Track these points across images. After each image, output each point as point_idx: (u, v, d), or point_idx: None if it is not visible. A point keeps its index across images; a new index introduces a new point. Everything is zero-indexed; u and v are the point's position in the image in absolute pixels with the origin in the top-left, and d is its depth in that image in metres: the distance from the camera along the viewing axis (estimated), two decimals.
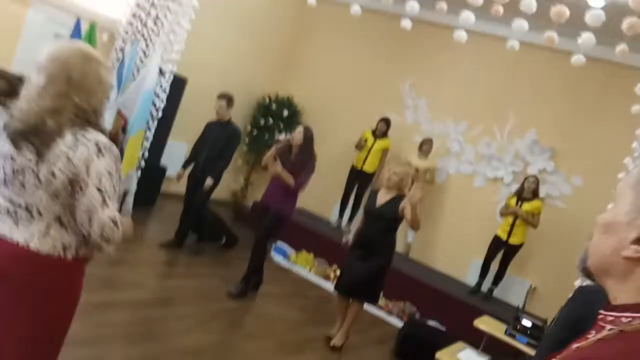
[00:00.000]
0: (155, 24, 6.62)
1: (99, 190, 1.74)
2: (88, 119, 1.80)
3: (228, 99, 5.83)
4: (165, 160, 7.38)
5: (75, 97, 1.77)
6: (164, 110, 6.56)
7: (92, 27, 6.09)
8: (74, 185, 1.74)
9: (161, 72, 6.44)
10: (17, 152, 1.75)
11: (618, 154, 5.57)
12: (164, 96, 6.52)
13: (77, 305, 1.94)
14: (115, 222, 1.74)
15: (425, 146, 7.55)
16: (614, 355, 0.77)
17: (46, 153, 1.72)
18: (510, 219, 6.63)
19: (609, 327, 0.84)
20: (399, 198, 4.51)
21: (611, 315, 0.86)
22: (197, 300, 4.76)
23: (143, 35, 6.63)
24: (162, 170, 7.30)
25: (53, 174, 1.73)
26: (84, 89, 1.78)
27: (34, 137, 1.72)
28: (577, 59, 5.03)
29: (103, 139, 1.78)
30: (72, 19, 6.12)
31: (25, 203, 1.77)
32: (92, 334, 3.54)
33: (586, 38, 4.72)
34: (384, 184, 4.60)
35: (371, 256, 4.54)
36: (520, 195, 6.63)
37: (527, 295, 6.71)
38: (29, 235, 1.76)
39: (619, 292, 0.87)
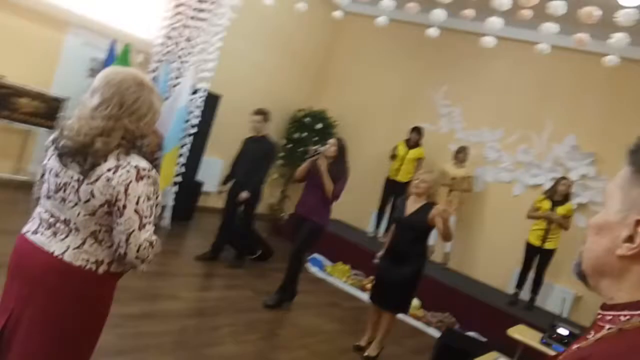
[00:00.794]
0: (187, 43, 6.79)
1: (137, 213, 1.81)
2: (135, 143, 1.86)
3: (264, 115, 5.91)
4: (201, 175, 7.51)
5: (126, 120, 1.82)
6: (198, 126, 6.71)
7: (127, 49, 6.29)
8: (112, 206, 1.81)
9: (194, 90, 6.59)
10: (63, 169, 1.83)
11: None
12: (198, 113, 6.67)
13: (106, 317, 2.00)
14: (151, 244, 1.85)
15: (460, 154, 7.47)
16: (615, 354, 0.76)
17: (89, 173, 1.79)
18: (542, 224, 6.37)
19: (607, 326, 0.84)
20: (428, 206, 4.47)
21: (609, 315, 0.86)
22: (232, 311, 4.80)
23: (177, 55, 6.80)
24: (198, 185, 7.44)
25: (92, 194, 1.80)
26: (135, 113, 1.84)
27: (81, 156, 1.79)
28: (611, 59, 4.91)
29: (144, 164, 1.84)
30: (108, 42, 6.35)
31: (65, 217, 1.86)
32: (126, 344, 3.61)
33: (618, 38, 4.60)
34: (413, 191, 4.56)
35: (402, 265, 4.50)
36: (552, 198, 6.38)
37: (564, 303, 6.49)
38: (65, 247, 1.84)
39: (615, 292, 0.87)
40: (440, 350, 5.00)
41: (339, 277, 6.84)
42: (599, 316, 0.89)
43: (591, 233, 0.92)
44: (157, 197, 1.91)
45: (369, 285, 6.58)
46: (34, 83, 5.89)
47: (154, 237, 1.87)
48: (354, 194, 7.97)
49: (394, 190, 7.80)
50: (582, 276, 0.94)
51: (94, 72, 6.49)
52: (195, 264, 5.78)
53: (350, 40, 9.29)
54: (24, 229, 1.97)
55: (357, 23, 8.85)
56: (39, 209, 1.96)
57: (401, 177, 7.76)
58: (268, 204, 9.05)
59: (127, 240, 1.81)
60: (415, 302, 6.27)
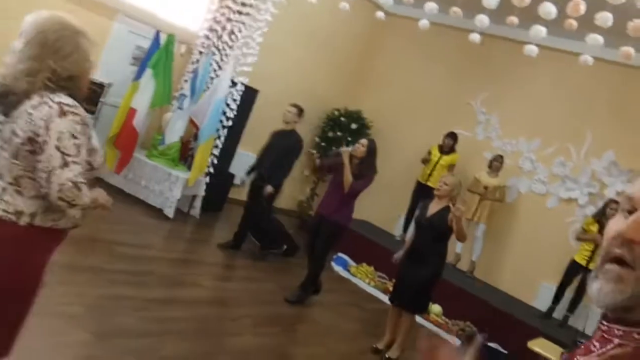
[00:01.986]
0: (230, 37, 6.89)
1: (59, 150, 1.72)
2: (62, 84, 1.80)
3: (299, 109, 5.96)
4: (233, 168, 7.61)
5: (50, 60, 1.77)
6: (234, 119, 6.79)
7: (170, 39, 6.42)
8: (33, 144, 1.73)
9: (233, 83, 6.68)
10: None
11: None
12: (234, 106, 6.76)
13: (37, 274, 1.88)
14: (76, 185, 1.73)
15: (495, 163, 7.37)
16: None
17: (12, 112, 1.75)
18: (590, 245, 6.29)
19: (617, 341, 0.79)
20: (449, 208, 4.47)
21: (619, 329, 0.80)
22: (253, 303, 4.86)
23: (217, 48, 6.90)
24: (231, 177, 7.53)
25: (14, 132, 1.74)
26: (58, 52, 1.79)
27: (5, 97, 1.76)
28: None
29: (68, 101, 1.77)
30: (152, 31, 6.48)
31: None
32: (148, 328, 3.70)
33: None
34: (435, 193, 4.58)
35: (421, 265, 4.50)
36: (601, 221, 6.27)
37: (587, 319, 6.35)
38: None
39: None
40: None
41: (362, 278, 6.84)
42: (604, 328, 0.83)
43: None
44: (89, 139, 1.82)
45: (391, 288, 6.58)
46: None
47: (79, 179, 1.74)
48: (383, 196, 7.97)
49: (424, 194, 7.72)
50: (627, 308, 0.80)
51: (137, 61, 6.64)
52: (221, 254, 5.86)
53: (390, 42, 9.26)
54: None
55: (399, 25, 8.81)
56: None
57: (432, 182, 7.69)
58: (297, 200, 9.10)
59: (47, 179, 1.72)
60: (437, 308, 6.23)
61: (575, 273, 6.46)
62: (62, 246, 1.97)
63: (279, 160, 5.81)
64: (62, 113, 1.74)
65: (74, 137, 1.75)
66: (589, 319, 6.33)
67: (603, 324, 0.84)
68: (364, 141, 5.11)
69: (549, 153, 7.59)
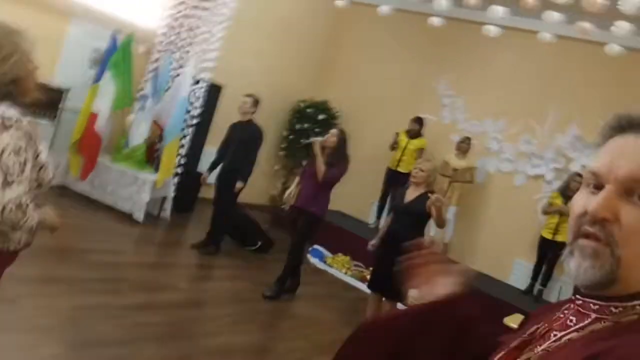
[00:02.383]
0: (189, 34, 6.78)
1: (0, 168, 1.60)
2: (4, 90, 1.70)
3: (254, 99, 5.89)
4: (202, 166, 7.51)
5: None
6: (200, 117, 6.70)
7: (129, 39, 6.29)
8: None
9: (196, 81, 6.58)
10: None
11: None
12: (198, 104, 6.66)
13: None
14: (20, 206, 1.61)
15: (463, 145, 7.44)
16: None
17: None
18: (554, 218, 6.51)
19: (593, 315, 0.80)
20: (426, 194, 4.48)
21: (595, 303, 0.81)
22: (231, 302, 4.82)
23: (177, 45, 6.79)
24: (199, 176, 7.42)
25: None
26: None
27: None
28: (611, 48, 4.86)
29: (11, 113, 1.66)
30: (109, 33, 6.34)
31: None
32: (124, 334, 3.63)
33: (621, 26, 4.55)
34: (411, 179, 4.57)
35: (399, 252, 4.49)
36: (565, 194, 6.46)
37: (560, 291, 6.50)
38: None
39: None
40: None
41: (339, 268, 6.85)
42: (579, 302, 0.84)
43: None
44: (36, 155, 1.71)
45: (369, 276, 6.60)
46: None
47: (24, 199, 1.62)
48: (354, 185, 7.96)
49: (396, 180, 7.76)
50: (607, 283, 0.79)
51: (95, 63, 6.49)
52: (194, 254, 5.79)
53: (353, 31, 9.24)
54: None
55: (361, 13, 8.79)
56: None
57: (403, 168, 7.74)
58: (270, 195, 9.05)
59: None
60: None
61: (545, 248, 6.64)
62: (28, 259, 1.89)
63: (242, 154, 5.75)
64: (4, 127, 1.62)
65: (17, 153, 1.63)
66: (561, 292, 6.48)
67: (578, 299, 0.85)
68: (334, 131, 5.12)
69: (514, 132, 7.69)
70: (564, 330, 0.83)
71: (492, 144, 7.81)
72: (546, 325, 0.87)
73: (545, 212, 6.67)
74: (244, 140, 5.74)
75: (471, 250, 7.71)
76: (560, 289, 6.56)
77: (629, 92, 6.77)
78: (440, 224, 4.36)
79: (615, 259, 0.77)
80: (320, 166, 4.94)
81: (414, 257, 1.15)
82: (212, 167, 6.02)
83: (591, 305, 0.81)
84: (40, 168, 1.75)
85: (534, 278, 6.81)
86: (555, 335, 0.83)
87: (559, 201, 6.51)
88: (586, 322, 0.81)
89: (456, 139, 7.88)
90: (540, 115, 7.47)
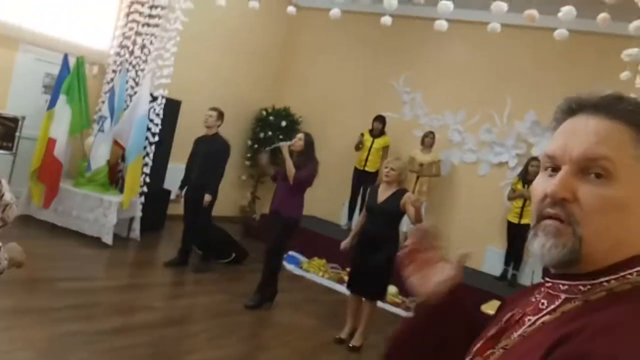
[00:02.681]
0: (142, 51, 6.71)
1: None
2: None
3: (219, 112, 5.87)
4: (167, 183, 7.43)
5: None
6: (160, 134, 6.62)
7: (80, 62, 6.19)
8: None
9: (153, 98, 6.51)
10: None
11: None
12: (158, 121, 6.59)
13: None
14: None
15: (427, 139, 7.51)
16: (617, 323, 0.71)
17: None
18: (519, 203, 6.66)
19: (563, 296, 0.81)
20: (400, 192, 4.52)
21: (563, 284, 0.82)
22: (209, 316, 4.77)
23: (131, 64, 6.71)
24: (167, 194, 7.35)
25: None
26: None
27: None
28: (560, 32, 5.00)
29: None
30: (60, 56, 6.22)
31: None
32: None
33: (567, 10, 4.68)
34: (383, 179, 4.62)
35: (376, 252, 4.54)
36: (525, 178, 6.61)
37: (533, 275, 6.63)
38: None
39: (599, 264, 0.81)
40: None
41: (315, 272, 6.84)
42: (549, 284, 0.85)
43: (606, 211, 0.78)
44: (1, 196, 1.68)
45: (346, 278, 6.61)
46: None
47: None
48: (323, 188, 7.96)
49: (364, 180, 7.83)
50: (572, 262, 0.80)
51: (48, 88, 6.37)
52: (168, 273, 5.72)
53: (306, 36, 9.27)
54: None
55: (312, 17, 8.83)
56: None
57: (369, 167, 7.81)
58: (239, 205, 9.00)
59: None
60: (393, 288, 6.30)
61: (513, 232, 6.79)
62: None
63: (208, 167, 5.71)
64: None
65: None
66: (534, 276, 6.60)
67: (547, 281, 0.86)
68: (300, 135, 5.15)
69: (474, 122, 7.82)
70: (537, 314, 0.84)
71: (454, 136, 7.93)
72: (520, 310, 0.88)
73: (510, 198, 6.83)
74: (210, 154, 5.71)
75: (445, 242, 7.77)
76: (532, 273, 6.68)
77: (581, 72, 6.96)
78: (419, 221, 4.42)
79: (577, 238, 0.78)
80: (291, 169, 4.95)
81: (412, 245, 1.14)
82: (183, 184, 5.96)
83: (560, 286, 0.83)
84: (5, 207, 1.72)
85: (507, 263, 6.95)
86: (529, 320, 0.84)
87: (520, 186, 6.67)
88: (557, 303, 0.82)
89: (419, 134, 7.99)
90: (498, 104, 7.61)
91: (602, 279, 0.78)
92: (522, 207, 6.62)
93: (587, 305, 0.78)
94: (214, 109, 5.88)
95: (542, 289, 0.87)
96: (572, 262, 0.80)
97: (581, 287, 0.80)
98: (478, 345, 0.91)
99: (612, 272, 0.78)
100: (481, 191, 7.66)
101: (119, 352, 3.73)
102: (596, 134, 0.80)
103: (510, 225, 6.80)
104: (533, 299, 0.87)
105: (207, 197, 5.67)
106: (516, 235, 6.74)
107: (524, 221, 6.59)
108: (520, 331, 0.84)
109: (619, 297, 0.76)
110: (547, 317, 0.81)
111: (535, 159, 6.74)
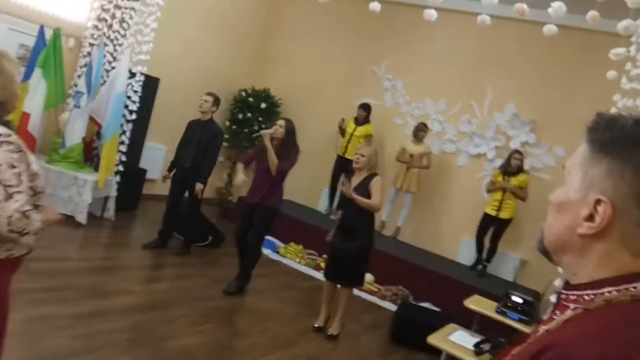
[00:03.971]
0: (121, 25, 6.50)
1: (0, 183, 1.72)
2: None
3: (215, 98, 5.77)
4: (144, 162, 7.27)
5: None
6: (138, 112, 6.45)
7: (57, 34, 5.96)
8: None
9: (131, 74, 6.32)
10: None
11: None
12: (136, 98, 6.42)
13: (1, 305, 1.98)
14: (24, 214, 1.75)
15: (420, 133, 7.40)
16: (581, 337, 0.77)
17: None
18: (498, 195, 6.66)
19: (572, 306, 0.85)
20: (369, 178, 4.53)
21: (573, 294, 0.87)
22: (186, 301, 4.69)
23: (109, 38, 6.51)
24: (142, 173, 7.20)
25: None
26: None
27: None
28: (549, 28, 4.99)
29: (1, 130, 1.76)
30: (36, 28, 5.99)
31: None
32: (79, 345, 3.46)
33: (557, 7, 4.67)
34: (354, 165, 4.62)
35: (351, 239, 4.54)
36: (507, 171, 6.64)
37: (516, 270, 6.74)
38: None
39: (577, 269, 0.88)
40: (399, 324, 5.08)
41: (292, 258, 6.81)
42: (564, 296, 0.90)
43: (552, 210, 0.92)
44: (28, 165, 1.82)
45: (323, 264, 6.59)
46: None
47: (26, 207, 1.77)
48: (302, 173, 7.92)
49: (345, 167, 7.78)
50: (544, 252, 0.94)
51: (23, 60, 6.12)
52: (144, 255, 5.61)
53: (290, 15, 9.13)
54: None
55: None
56: None
57: (349, 155, 7.74)
58: (215, 187, 8.88)
59: None
60: (369, 276, 6.32)
61: (488, 224, 6.79)
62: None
63: (201, 152, 5.61)
64: None
65: (13, 166, 1.73)
66: (515, 269, 6.70)
67: (563, 293, 0.91)
68: (281, 122, 5.04)
69: (454, 112, 7.83)
70: (547, 324, 0.87)
71: (434, 125, 7.92)
72: (540, 324, 0.93)
73: (489, 190, 6.83)
74: (204, 140, 5.60)
75: (421, 231, 7.83)
76: (516, 268, 6.77)
77: (564, 68, 7.02)
78: (373, 210, 4.45)
79: (541, 230, 0.94)
80: (273, 159, 4.87)
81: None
82: (172, 166, 5.83)
83: (570, 296, 0.88)
84: (34, 176, 1.86)
85: (479, 252, 6.94)
86: (540, 330, 0.89)
87: (500, 178, 6.68)
88: (567, 313, 0.85)
89: (399, 122, 7.97)
90: (479, 95, 7.63)
91: (605, 289, 0.83)
92: (501, 200, 6.62)
93: (586, 314, 0.82)
94: (209, 94, 5.77)
95: (560, 301, 0.91)
96: (544, 252, 0.94)
97: (586, 297, 0.84)
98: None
99: (614, 284, 0.82)
100: (459, 182, 7.70)
101: (96, 338, 3.63)
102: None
103: (487, 217, 6.78)
104: (552, 312, 0.92)
105: (199, 186, 5.60)
106: (491, 228, 6.78)
107: (502, 215, 6.62)
108: (529, 340, 0.89)
109: (615, 307, 0.80)
110: (550, 325, 0.86)
111: (517, 151, 6.76)
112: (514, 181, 6.58)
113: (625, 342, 0.74)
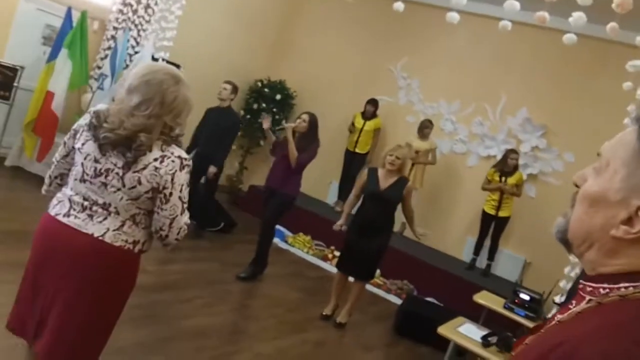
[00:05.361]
0: (146, 11, 6.62)
1: (180, 199, 1.99)
2: (172, 135, 2.01)
3: (234, 86, 5.92)
4: None
5: (166, 117, 1.96)
6: None
7: (84, 16, 6.09)
8: (156, 193, 1.96)
9: (154, 59, 6.45)
10: (102, 156, 1.95)
11: (610, 130, 5.59)
12: None
13: (132, 289, 2.21)
14: (187, 225, 2.06)
15: (426, 130, 7.51)
16: (589, 333, 0.75)
17: (135, 164, 1.92)
18: (496, 195, 6.75)
19: (588, 297, 0.84)
20: (402, 180, 4.64)
21: (590, 286, 0.85)
22: (200, 283, 4.84)
23: (134, 23, 6.63)
24: None
25: (139, 181, 1.93)
26: (174, 111, 1.97)
27: (124, 147, 1.91)
28: (569, 37, 5.08)
29: (184, 155, 2.00)
30: (63, 8, 6.11)
31: (104, 201, 1.97)
32: None
33: (577, 17, 4.77)
34: (387, 167, 4.64)
35: (374, 236, 4.65)
36: (503, 170, 6.74)
37: (521, 270, 6.85)
38: (104, 229, 1.96)
39: (599, 266, 0.85)
40: (403, 316, 5.22)
41: (300, 247, 6.95)
42: (581, 286, 0.88)
43: (583, 202, 0.87)
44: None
45: (330, 255, 6.74)
46: None
47: (189, 220, 2.07)
48: (312, 166, 8.00)
49: (354, 161, 7.92)
50: (565, 242, 0.91)
51: (48, 40, 6.26)
52: None
53: (310, 10, 9.23)
54: (53, 212, 2.04)
55: None
56: (67, 192, 2.03)
57: (360, 149, 7.89)
58: (227, 175, 9.01)
59: (170, 224, 1.98)
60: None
61: (489, 223, 6.90)
62: None
63: (218, 139, 5.74)
64: (183, 166, 1.97)
65: (187, 186, 2.02)
66: (523, 270, 6.81)
67: (581, 283, 0.89)
68: (304, 116, 5.17)
69: (467, 114, 7.94)
70: (562, 314, 0.87)
71: (446, 125, 8.04)
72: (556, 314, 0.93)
73: (484, 189, 6.88)
74: (221, 126, 5.73)
75: (427, 228, 7.90)
76: (522, 267, 6.87)
77: (579, 76, 7.11)
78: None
79: (567, 220, 0.90)
80: (293, 152, 5.00)
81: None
82: (189, 151, 5.97)
83: (587, 288, 0.86)
84: None
85: (476, 253, 7.07)
86: (555, 320, 0.88)
87: (497, 177, 6.75)
88: (582, 304, 0.84)
89: (412, 120, 8.07)
90: (492, 98, 7.73)
91: (621, 285, 0.80)
92: (500, 200, 6.71)
93: (598, 308, 0.80)
94: (228, 82, 5.93)
95: (579, 292, 0.90)
96: (565, 242, 0.90)
97: (601, 290, 0.82)
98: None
99: (631, 280, 0.80)
100: (467, 182, 7.80)
101: None
102: (616, 137, 0.87)
103: (486, 215, 6.88)
104: (569, 303, 0.90)
105: (212, 169, 5.74)
106: (491, 226, 6.89)
107: (501, 214, 6.73)
108: (543, 330, 0.89)
109: (628, 303, 0.79)
110: (564, 317, 0.85)
111: (514, 151, 6.84)
112: (512, 180, 6.68)
113: (630, 337, 0.73)
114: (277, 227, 7.08)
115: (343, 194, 8.03)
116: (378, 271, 6.47)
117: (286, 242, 7.04)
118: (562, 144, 7.19)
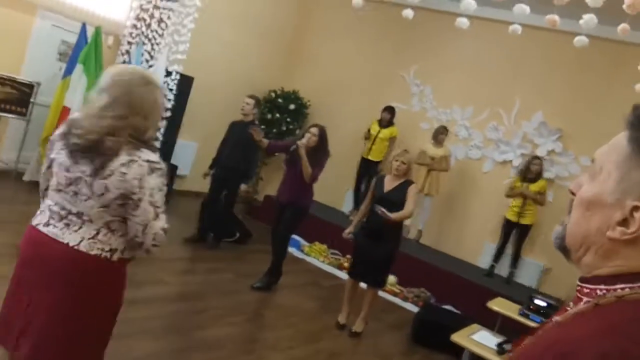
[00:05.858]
0: (159, 25, 6.71)
1: (152, 204, 1.91)
2: (142, 139, 1.94)
3: (257, 100, 6.00)
4: (175, 158, 7.47)
5: (133, 119, 1.91)
6: (172, 109, 6.65)
7: (98, 32, 6.18)
8: (126, 199, 1.89)
9: (167, 73, 6.53)
10: (74, 164, 1.91)
11: None
12: (171, 96, 6.62)
13: (120, 302, 2.14)
14: (165, 230, 1.98)
15: (441, 136, 7.49)
16: (587, 334, 0.76)
17: (102, 169, 1.87)
18: (518, 201, 6.70)
19: (585, 299, 0.85)
20: (407, 183, 4.65)
21: (587, 287, 0.86)
22: (216, 294, 4.86)
23: (147, 37, 6.72)
24: (174, 169, 7.40)
25: (107, 188, 1.88)
26: (142, 112, 1.93)
27: (92, 153, 1.87)
28: (580, 40, 5.06)
29: (154, 158, 1.94)
30: (78, 25, 6.22)
31: (77, 210, 1.94)
32: (115, 330, 3.62)
33: (588, 18, 4.74)
34: (393, 172, 4.71)
35: (382, 241, 4.65)
36: (525, 177, 6.69)
37: (540, 276, 6.78)
38: (79, 238, 1.92)
39: (597, 269, 0.85)
40: (420, 324, 5.18)
41: (316, 256, 6.95)
42: (578, 287, 0.88)
43: (579, 207, 0.88)
44: (165, 186, 2.00)
45: (346, 264, 6.72)
46: (2, 69, 5.75)
47: (166, 225, 1.99)
48: (327, 174, 8.00)
49: (368, 169, 7.91)
50: (564, 249, 0.91)
51: (64, 56, 6.37)
52: (175, 248, 5.79)
53: (321, 19, 9.28)
54: (35, 222, 2.02)
55: (330, 2, 8.84)
56: (48, 202, 2.01)
57: (374, 156, 7.87)
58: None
59: (143, 230, 1.92)
60: (392, 278, 6.42)
61: (510, 230, 6.85)
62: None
63: (244, 154, 5.82)
64: (152, 170, 1.90)
65: (161, 190, 1.95)
66: (542, 276, 6.74)
67: (578, 285, 0.89)
68: (314, 130, 5.18)
69: (482, 119, 7.89)
70: (560, 315, 0.87)
71: (460, 131, 8.01)
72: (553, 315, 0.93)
73: (508, 195, 6.86)
74: (244, 140, 5.76)
75: (443, 235, 7.91)
76: (541, 274, 6.80)
77: (592, 78, 7.05)
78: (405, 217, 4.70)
79: (564, 226, 0.91)
80: (307, 169, 5.03)
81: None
82: (213, 164, 6.08)
83: (584, 289, 0.86)
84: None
85: (495, 261, 7.01)
86: (552, 321, 0.88)
87: (519, 184, 6.71)
88: (580, 305, 0.84)
89: (426, 126, 8.04)
90: (507, 103, 7.68)
91: (618, 286, 0.81)
92: (522, 207, 6.66)
93: (596, 309, 0.81)
94: (251, 96, 6.01)
95: (576, 293, 0.90)
96: (563, 249, 0.91)
97: (599, 291, 0.83)
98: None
99: (628, 281, 0.81)
100: (483, 188, 7.75)
101: (131, 324, 3.79)
102: (609, 142, 0.88)
103: (508, 222, 6.84)
104: (567, 304, 0.91)
105: (244, 187, 6.07)
106: (513, 234, 6.84)
107: (523, 221, 6.67)
108: (540, 331, 0.89)
109: (625, 304, 0.79)
110: (561, 318, 0.85)
111: (537, 157, 6.81)
112: (534, 187, 6.63)
113: (627, 337, 0.73)
114: (293, 236, 7.13)
115: (357, 201, 8.04)
116: (395, 279, 6.46)
117: (302, 251, 7.05)
118: (578, 147, 7.11)
